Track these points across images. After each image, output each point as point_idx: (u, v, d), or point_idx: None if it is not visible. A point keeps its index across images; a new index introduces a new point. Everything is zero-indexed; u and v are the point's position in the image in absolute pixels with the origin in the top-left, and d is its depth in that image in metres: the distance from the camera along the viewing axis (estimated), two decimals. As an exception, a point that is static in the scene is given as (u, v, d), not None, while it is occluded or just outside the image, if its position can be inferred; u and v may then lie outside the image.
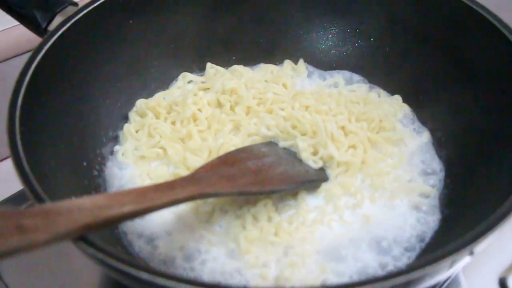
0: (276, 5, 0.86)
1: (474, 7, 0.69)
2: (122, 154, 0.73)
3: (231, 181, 0.58)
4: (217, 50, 0.86)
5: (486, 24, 0.67)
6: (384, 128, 0.74)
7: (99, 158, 0.72)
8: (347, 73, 0.86)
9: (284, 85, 0.81)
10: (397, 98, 0.81)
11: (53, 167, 0.60)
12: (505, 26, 0.66)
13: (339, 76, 0.85)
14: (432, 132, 0.76)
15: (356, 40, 0.87)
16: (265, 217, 0.63)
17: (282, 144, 0.71)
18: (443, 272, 0.49)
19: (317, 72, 0.86)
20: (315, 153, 0.69)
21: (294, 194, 0.67)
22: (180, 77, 0.84)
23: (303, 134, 0.71)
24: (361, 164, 0.69)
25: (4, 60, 0.93)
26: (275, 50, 0.88)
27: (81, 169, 0.68)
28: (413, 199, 0.67)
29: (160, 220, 0.65)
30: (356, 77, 0.85)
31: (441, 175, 0.71)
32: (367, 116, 0.74)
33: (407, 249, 0.63)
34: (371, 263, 0.61)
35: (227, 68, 0.85)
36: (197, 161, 0.69)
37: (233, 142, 0.72)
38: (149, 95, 0.82)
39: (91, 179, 0.69)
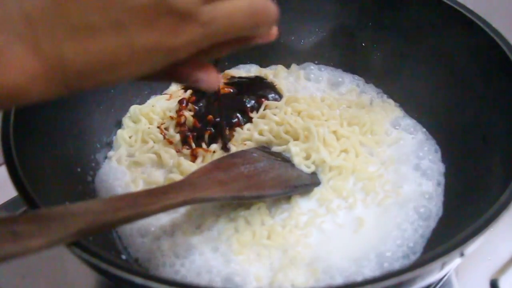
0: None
1: (462, 10, 0.70)
2: (116, 160, 0.73)
3: (224, 186, 0.58)
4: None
5: (474, 27, 0.68)
6: (376, 132, 0.75)
7: (93, 164, 0.72)
8: (339, 77, 0.86)
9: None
10: (389, 101, 0.81)
11: (47, 173, 0.60)
12: (494, 30, 0.66)
13: (331, 81, 0.85)
14: (424, 135, 0.77)
15: (348, 45, 0.87)
16: (258, 220, 0.64)
17: (275, 149, 0.72)
18: (434, 274, 0.49)
19: (309, 76, 0.86)
20: (307, 158, 0.70)
21: (287, 198, 0.67)
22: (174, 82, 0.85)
23: (296, 139, 0.71)
24: (353, 168, 0.70)
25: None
26: (268, 54, 0.88)
27: (75, 175, 0.68)
28: (405, 202, 0.67)
29: (154, 223, 0.65)
30: (348, 81, 0.86)
31: (433, 177, 0.71)
32: (359, 120, 0.75)
33: (403, 252, 0.63)
34: (364, 266, 0.61)
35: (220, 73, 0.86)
36: (191, 166, 0.69)
37: (226, 147, 0.72)
38: (143, 101, 0.82)
39: (85, 185, 0.69)
